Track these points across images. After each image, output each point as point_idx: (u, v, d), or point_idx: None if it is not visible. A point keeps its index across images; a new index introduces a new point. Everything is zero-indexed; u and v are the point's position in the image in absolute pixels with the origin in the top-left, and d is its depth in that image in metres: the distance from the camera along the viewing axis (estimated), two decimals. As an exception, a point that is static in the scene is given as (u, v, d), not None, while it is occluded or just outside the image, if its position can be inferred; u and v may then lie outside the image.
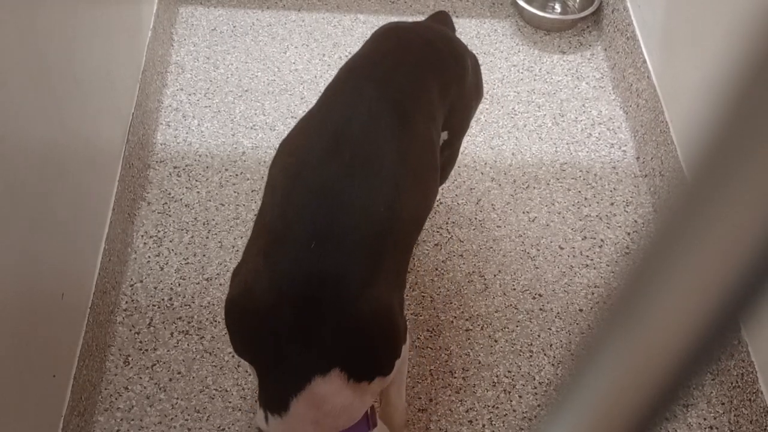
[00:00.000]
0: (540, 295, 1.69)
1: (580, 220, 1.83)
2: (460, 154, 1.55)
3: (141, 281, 1.67)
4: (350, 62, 1.31)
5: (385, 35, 1.37)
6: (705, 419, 1.51)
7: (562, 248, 1.77)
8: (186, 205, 1.81)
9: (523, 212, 1.84)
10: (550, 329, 1.64)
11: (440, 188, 1.44)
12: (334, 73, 2.12)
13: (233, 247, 1.73)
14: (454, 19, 1.66)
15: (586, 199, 1.88)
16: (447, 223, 1.80)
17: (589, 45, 2.26)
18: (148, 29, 1.98)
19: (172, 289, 1.66)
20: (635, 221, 1.84)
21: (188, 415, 1.48)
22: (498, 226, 1.81)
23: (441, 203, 1.83)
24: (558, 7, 2.36)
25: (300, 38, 2.22)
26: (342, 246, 1.06)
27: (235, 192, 1.84)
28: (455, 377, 1.55)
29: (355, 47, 2.19)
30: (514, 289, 1.70)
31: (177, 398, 1.50)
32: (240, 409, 1.49)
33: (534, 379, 1.56)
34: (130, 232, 1.74)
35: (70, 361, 1.38)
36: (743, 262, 0.22)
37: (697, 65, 1.70)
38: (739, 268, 0.22)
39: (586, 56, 2.23)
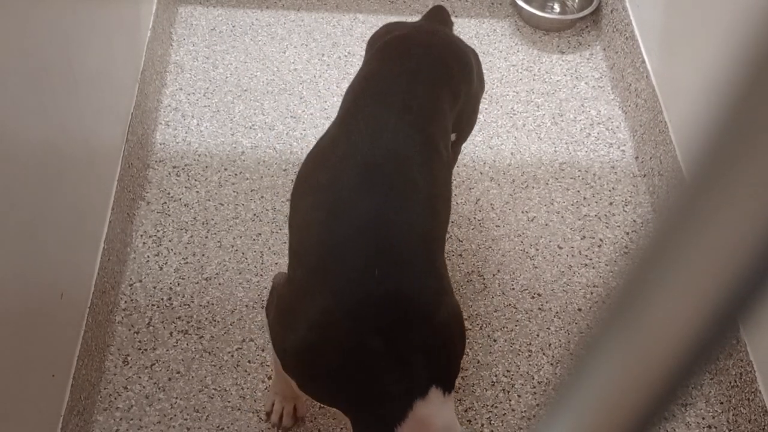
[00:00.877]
0: (539, 295, 1.69)
1: (579, 219, 1.83)
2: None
3: (140, 281, 1.67)
4: (361, 83, 1.31)
5: (392, 48, 1.36)
6: (703, 418, 1.51)
7: (561, 248, 1.77)
8: (185, 205, 1.81)
9: (522, 212, 1.84)
10: (548, 329, 1.64)
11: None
12: (333, 72, 2.13)
13: (232, 246, 1.73)
14: (453, 19, 1.65)
15: (585, 198, 1.88)
16: (446, 223, 1.80)
17: (588, 45, 2.26)
18: (147, 29, 1.98)
19: (171, 288, 1.66)
20: (634, 221, 1.84)
21: (187, 414, 1.48)
22: (497, 226, 1.81)
23: (440, 203, 1.83)
24: (557, 7, 2.36)
25: (299, 38, 2.22)
26: (402, 265, 1.07)
27: (234, 191, 1.84)
28: (454, 377, 1.55)
29: (355, 47, 2.20)
30: (513, 289, 1.70)
31: (176, 398, 1.50)
32: (239, 409, 1.49)
33: (533, 378, 1.56)
34: (130, 232, 1.74)
35: (69, 360, 1.38)
36: (742, 261, 0.22)
37: (696, 65, 1.70)
38: (737, 268, 0.22)
39: (585, 56, 2.23)
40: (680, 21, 1.82)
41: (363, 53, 2.17)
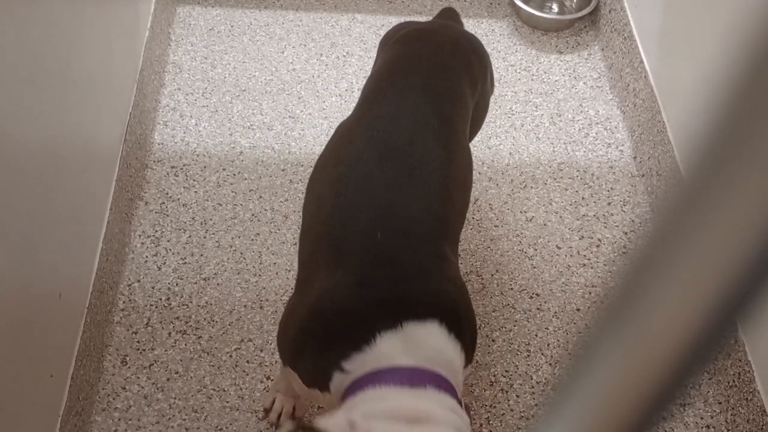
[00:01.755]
0: (537, 295, 1.69)
1: (578, 219, 1.83)
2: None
3: (138, 281, 1.67)
4: (381, 69, 1.32)
5: (411, 37, 1.37)
6: (702, 418, 1.52)
7: (559, 248, 1.78)
8: (183, 205, 1.81)
9: (521, 212, 1.84)
10: (547, 329, 1.64)
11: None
12: (331, 72, 2.13)
13: (231, 246, 1.73)
14: (452, 19, 1.66)
15: (583, 198, 1.88)
16: (444, 223, 1.80)
17: (586, 45, 2.26)
18: (146, 29, 1.97)
19: (169, 288, 1.66)
20: (632, 221, 1.84)
21: (186, 414, 1.48)
22: (495, 226, 1.81)
23: (438, 203, 1.83)
24: (555, 7, 2.36)
25: (298, 38, 2.22)
26: (410, 239, 1.06)
27: (232, 192, 1.84)
28: (453, 377, 1.55)
29: (353, 47, 2.20)
30: (512, 289, 1.70)
31: (175, 398, 1.50)
32: (238, 409, 1.49)
33: (531, 378, 1.56)
34: (128, 232, 1.74)
35: (67, 360, 1.38)
36: (740, 261, 0.22)
37: (694, 65, 1.70)
38: (736, 268, 0.22)
39: (583, 56, 2.23)
40: (678, 21, 1.83)
41: (362, 53, 2.17)
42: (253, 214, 1.79)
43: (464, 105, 1.27)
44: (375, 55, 1.51)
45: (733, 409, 1.48)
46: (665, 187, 0.23)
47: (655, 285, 0.24)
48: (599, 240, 1.80)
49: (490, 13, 2.34)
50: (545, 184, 1.90)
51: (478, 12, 2.34)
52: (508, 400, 1.53)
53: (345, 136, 1.22)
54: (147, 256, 1.71)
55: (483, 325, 1.63)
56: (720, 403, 1.52)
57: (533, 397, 1.54)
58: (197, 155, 1.91)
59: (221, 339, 1.58)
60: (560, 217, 1.84)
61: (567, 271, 1.73)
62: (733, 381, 1.48)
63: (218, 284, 1.67)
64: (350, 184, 1.12)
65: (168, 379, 1.53)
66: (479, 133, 1.99)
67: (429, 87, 1.23)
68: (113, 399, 1.50)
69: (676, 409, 0.26)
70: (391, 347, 0.97)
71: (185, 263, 1.70)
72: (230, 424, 1.47)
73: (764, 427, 1.37)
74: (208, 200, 1.82)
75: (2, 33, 1.12)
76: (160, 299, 1.64)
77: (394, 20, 1.66)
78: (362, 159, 1.14)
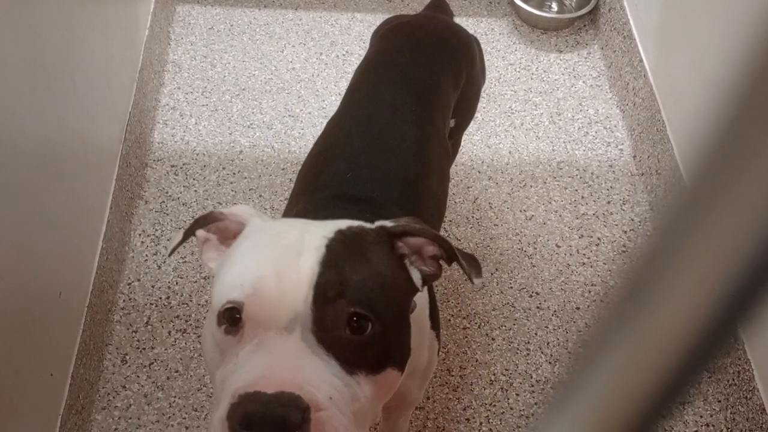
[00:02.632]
0: (537, 293, 1.69)
1: (577, 218, 1.83)
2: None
3: (138, 280, 1.67)
4: (363, 63, 1.34)
5: (395, 32, 1.39)
6: (701, 417, 1.52)
7: (559, 246, 1.78)
8: (183, 204, 1.81)
9: (520, 210, 1.84)
10: (547, 327, 1.64)
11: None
12: (331, 71, 2.13)
13: (230, 245, 1.73)
14: (452, 18, 1.66)
15: (582, 197, 1.88)
16: (444, 222, 1.80)
17: (585, 44, 2.26)
18: (145, 28, 1.97)
19: (169, 287, 1.66)
20: (632, 219, 1.84)
21: (186, 413, 1.48)
22: (495, 225, 1.81)
23: (438, 202, 1.83)
24: (555, 6, 2.36)
25: (297, 37, 2.22)
26: (375, 183, 1.07)
27: (232, 191, 1.84)
28: (452, 375, 1.55)
29: (353, 46, 2.19)
30: (511, 288, 1.70)
31: (175, 397, 1.50)
32: (237, 408, 1.49)
33: (531, 377, 1.57)
34: (128, 231, 1.74)
35: (67, 359, 1.38)
36: (741, 260, 0.22)
37: (694, 64, 1.70)
38: (736, 267, 0.22)
39: (582, 55, 2.23)
40: (678, 20, 1.83)
41: (361, 52, 2.17)
42: (252, 213, 1.79)
43: (443, 95, 1.28)
44: (374, 53, 1.51)
45: (732, 407, 1.48)
46: (665, 185, 0.23)
47: (655, 284, 0.24)
48: (599, 239, 1.80)
49: (490, 12, 2.34)
50: (545, 182, 1.90)
51: (477, 11, 2.34)
52: (508, 399, 1.53)
53: (328, 131, 1.25)
54: (147, 255, 1.71)
55: (483, 324, 1.63)
56: (719, 401, 1.53)
57: (533, 396, 1.54)
58: (197, 154, 1.91)
59: (221, 338, 1.58)
60: (560, 215, 1.84)
61: (566, 269, 1.73)
62: (733, 379, 1.48)
63: (218, 283, 1.67)
64: (330, 149, 1.15)
65: (168, 378, 1.53)
66: (479, 132, 1.99)
67: (408, 79, 1.25)
68: (113, 398, 1.50)
69: (676, 408, 0.26)
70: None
71: (185, 262, 1.70)
72: (230, 422, 1.47)
73: (764, 425, 1.37)
74: (208, 199, 1.82)
75: (1, 32, 1.12)
76: (160, 298, 1.64)
77: (398, 14, 1.66)
78: (343, 129, 1.18)
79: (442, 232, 1.76)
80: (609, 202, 1.87)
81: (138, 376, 1.53)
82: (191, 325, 1.60)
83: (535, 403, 1.54)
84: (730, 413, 1.48)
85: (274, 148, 1.93)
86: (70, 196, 1.41)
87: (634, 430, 0.26)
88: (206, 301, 1.64)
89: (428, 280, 0.84)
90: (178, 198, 1.82)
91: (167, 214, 1.78)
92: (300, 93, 2.07)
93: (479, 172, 1.91)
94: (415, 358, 0.90)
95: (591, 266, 1.74)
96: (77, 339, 1.42)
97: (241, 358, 0.69)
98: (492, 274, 1.72)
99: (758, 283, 0.22)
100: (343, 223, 0.79)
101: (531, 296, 1.69)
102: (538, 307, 1.67)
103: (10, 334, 1.15)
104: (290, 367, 0.67)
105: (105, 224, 1.58)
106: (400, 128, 1.17)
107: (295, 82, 2.09)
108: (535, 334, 1.63)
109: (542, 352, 1.60)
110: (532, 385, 1.55)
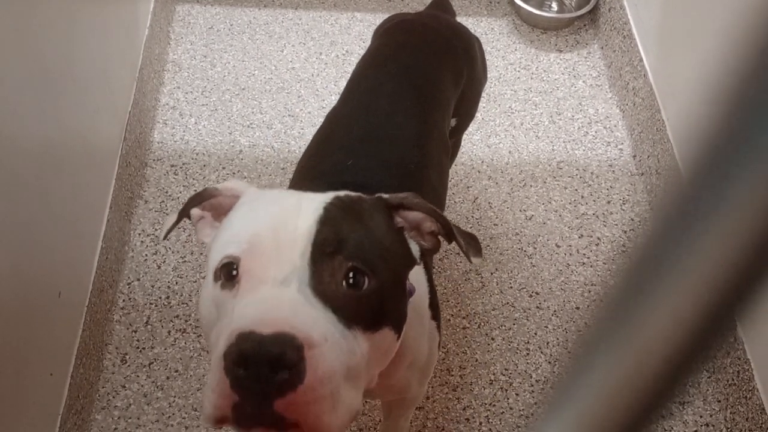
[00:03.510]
0: (537, 293, 1.69)
1: (577, 218, 1.83)
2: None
3: (138, 279, 1.67)
4: (363, 59, 1.34)
5: (396, 29, 1.40)
6: (701, 416, 1.52)
7: (558, 246, 1.78)
8: (183, 203, 1.80)
9: (520, 210, 1.84)
10: (546, 327, 1.64)
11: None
12: (331, 71, 2.13)
13: (230, 245, 1.73)
14: (451, 18, 1.66)
15: (582, 197, 1.88)
16: (444, 222, 1.80)
17: (585, 43, 2.26)
18: (145, 27, 1.97)
19: (169, 287, 1.66)
20: (632, 219, 1.84)
21: (185, 413, 1.48)
22: (495, 224, 1.81)
23: (438, 201, 1.83)
24: (555, 6, 2.36)
25: (297, 36, 2.22)
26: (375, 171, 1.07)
27: (232, 190, 1.84)
28: (452, 375, 1.55)
29: (353, 45, 2.19)
30: (511, 287, 1.70)
31: (174, 396, 1.50)
32: (237, 408, 1.49)
33: (531, 376, 1.57)
34: (128, 231, 1.74)
35: (67, 359, 1.38)
36: (740, 259, 0.22)
37: (694, 63, 1.70)
38: (735, 266, 0.22)
39: (582, 55, 2.23)
40: (678, 19, 1.82)
41: (361, 52, 2.17)
42: (252, 213, 1.79)
43: (443, 91, 1.28)
44: (374, 53, 1.51)
45: (732, 407, 1.48)
46: (664, 185, 0.23)
47: (654, 283, 0.24)
48: (598, 238, 1.80)
49: (490, 12, 2.34)
50: (545, 182, 1.90)
51: (477, 10, 2.34)
52: (508, 399, 1.53)
53: (326, 126, 1.25)
54: (147, 255, 1.71)
55: (482, 324, 1.63)
56: (719, 401, 1.53)
57: (532, 396, 1.54)
58: (197, 154, 1.91)
59: (221, 337, 1.58)
60: (560, 215, 1.84)
61: (566, 269, 1.73)
62: (732, 379, 1.48)
63: (218, 283, 1.67)
64: (329, 137, 1.16)
65: (168, 378, 1.53)
66: (479, 131, 1.99)
67: (408, 74, 1.25)
68: (113, 397, 1.50)
69: (675, 407, 0.26)
70: None
71: (185, 262, 1.70)
72: (230, 422, 1.47)
73: (763, 425, 1.37)
74: (207, 199, 1.82)
75: (2, 32, 1.12)
76: (160, 298, 1.64)
77: (399, 13, 1.66)
78: (342, 119, 1.19)
79: (441, 232, 1.77)
80: (609, 202, 1.87)
81: (138, 376, 1.53)
82: (191, 324, 1.60)
83: (535, 403, 1.54)
84: (730, 413, 1.48)
85: (273, 147, 1.93)
86: (70, 196, 1.41)
87: (632, 430, 0.26)
88: (206, 301, 1.64)
89: (427, 254, 0.84)
90: (178, 198, 1.82)
91: (167, 214, 1.78)
92: (300, 92, 2.06)
93: (479, 172, 1.91)
94: (415, 348, 0.90)
95: (591, 266, 1.74)
96: (77, 339, 1.42)
97: (237, 310, 0.69)
98: (492, 273, 1.72)
99: (756, 282, 0.22)
100: (341, 192, 0.80)
101: (531, 296, 1.69)
102: (537, 307, 1.67)
103: (9, 333, 1.14)
104: (287, 311, 0.67)
105: (104, 224, 1.58)
106: (399, 119, 1.17)
107: (295, 81, 2.09)
108: (535, 333, 1.63)
109: (542, 352, 1.60)
110: (532, 385, 1.55)
